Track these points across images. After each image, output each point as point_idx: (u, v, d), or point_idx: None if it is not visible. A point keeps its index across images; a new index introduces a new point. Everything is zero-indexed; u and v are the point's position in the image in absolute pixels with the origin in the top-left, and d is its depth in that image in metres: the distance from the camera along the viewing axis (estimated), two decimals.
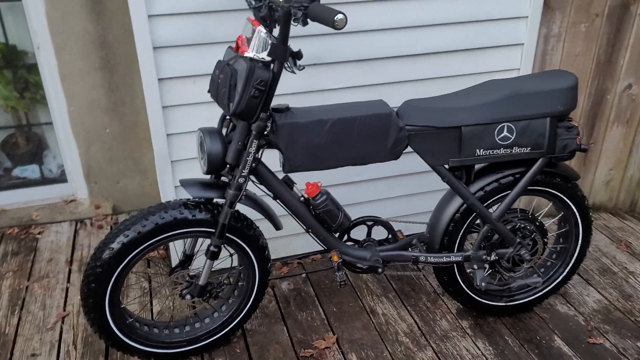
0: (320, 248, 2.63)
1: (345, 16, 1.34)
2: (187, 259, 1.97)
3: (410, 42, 2.27)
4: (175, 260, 2.36)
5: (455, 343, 2.13)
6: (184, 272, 1.91)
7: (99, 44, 2.70)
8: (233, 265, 2.06)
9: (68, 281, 2.47)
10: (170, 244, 2.37)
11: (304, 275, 2.52)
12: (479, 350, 2.10)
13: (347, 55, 2.21)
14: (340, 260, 1.94)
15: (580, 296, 2.38)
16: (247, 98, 1.61)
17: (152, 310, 2.28)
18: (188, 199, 1.84)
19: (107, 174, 3.00)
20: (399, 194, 2.59)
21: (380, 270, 2.01)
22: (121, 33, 2.70)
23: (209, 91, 1.79)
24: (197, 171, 2.26)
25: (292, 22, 1.54)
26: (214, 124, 2.19)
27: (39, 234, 2.81)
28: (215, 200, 1.87)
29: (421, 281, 2.47)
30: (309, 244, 2.61)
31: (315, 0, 1.43)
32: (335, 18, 1.33)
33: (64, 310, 2.29)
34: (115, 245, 1.72)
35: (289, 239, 2.55)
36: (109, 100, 2.83)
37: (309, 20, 1.42)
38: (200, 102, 2.14)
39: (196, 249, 1.97)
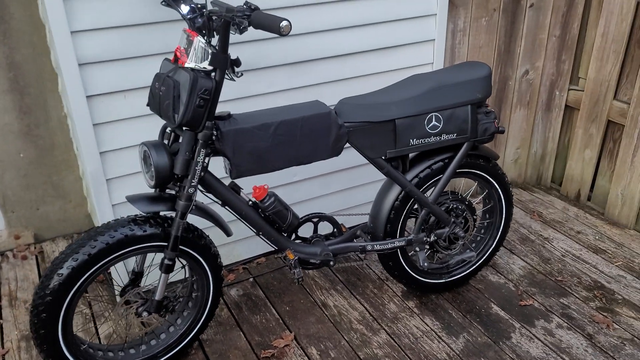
0: (264, 251, 2.69)
1: (290, 22, 1.40)
2: (137, 276, 1.94)
3: (334, 44, 2.37)
4: (120, 279, 2.29)
5: (406, 323, 2.26)
6: (137, 290, 1.87)
7: (7, 65, 2.54)
8: (185, 277, 2.05)
9: (0, 317, 2.31)
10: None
11: (251, 279, 2.54)
12: (428, 326, 2.24)
13: (277, 59, 2.27)
14: (296, 258, 2.00)
15: (507, 265, 2.61)
16: (192, 108, 1.62)
17: (98, 335, 2.20)
18: (136, 215, 1.80)
19: (24, 201, 2.83)
20: (335, 189, 2.68)
21: (332, 263, 2.09)
22: (30, 52, 2.56)
23: (147, 104, 1.78)
24: (134, 187, 2.21)
25: (230, 30, 1.58)
26: (148, 137, 2.17)
27: None
28: (161, 213, 1.85)
29: (365, 270, 2.59)
30: (252, 248, 2.64)
31: (256, 9, 1.47)
32: (280, 25, 1.39)
33: (3, 347, 2.15)
34: (65, 271, 1.66)
35: (231, 246, 2.56)
36: (21, 123, 2.67)
37: (250, 27, 1.46)
38: (133, 116, 2.10)
39: (145, 265, 1.94)
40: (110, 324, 2.26)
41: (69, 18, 1.85)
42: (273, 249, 2.69)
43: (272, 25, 1.39)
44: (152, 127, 2.15)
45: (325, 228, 2.33)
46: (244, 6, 1.47)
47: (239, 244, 2.58)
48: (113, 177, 2.16)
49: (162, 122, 2.16)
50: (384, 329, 2.23)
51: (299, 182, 2.57)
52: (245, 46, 2.19)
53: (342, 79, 2.47)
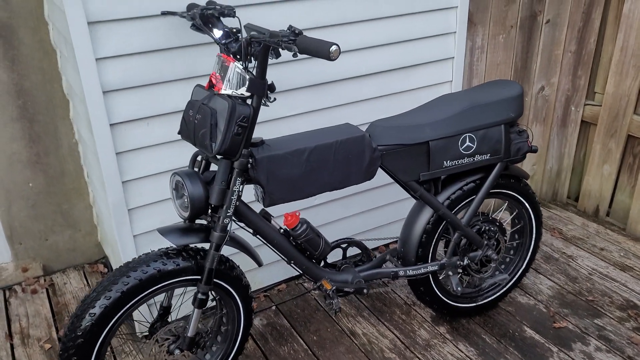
0: (285, 277, 2.60)
1: (339, 46, 1.34)
2: (165, 311, 1.85)
3: (357, 64, 2.32)
4: (145, 317, 2.19)
5: (439, 350, 2.19)
6: (169, 327, 1.78)
7: (15, 93, 2.46)
8: (212, 311, 1.96)
9: (13, 358, 2.20)
10: None
11: (274, 307, 2.45)
12: (462, 352, 2.17)
13: (299, 82, 2.21)
14: (333, 288, 1.92)
15: (535, 285, 2.55)
16: (230, 136, 1.56)
17: None
18: (167, 248, 1.72)
19: (33, 232, 2.72)
20: (355, 211, 2.62)
21: (365, 291, 2.02)
22: (39, 79, 2.48)
23: (179, 132, 1.70)
24: (155, 216, 2.13)
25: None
26: (171, 165, 2.10)
27: None
28: (191, 245, 1.77)
29: (390, 295, 2.52)
30: (273, 275, 2.56)
31: (300, 33, 1.42)
32: (330, 50, 1.33)
33: None
34: (97, 310, 1.57)
35: (253, 273, 2.48)
36: (30, 152, 2.58)
37: (297, 53, 1.41)
38: (155, 144, 2.03)
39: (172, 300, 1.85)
40: None
41: (94, 45, 1.78)
42: (293, 275, 2.63)
43: (321, 50, 1.34)
44: (174, 154, 2.08)
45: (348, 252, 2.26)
46: (288, 31, 1.42)
47: (260, 270, 2.49)
48: (135, 206, 2.07)
49: (185, 149, 2.10)
50: (418, 357, 2.16)
51: (320, 206, 2.50)
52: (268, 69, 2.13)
53: (364, 99, 2.42)
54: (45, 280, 2.70)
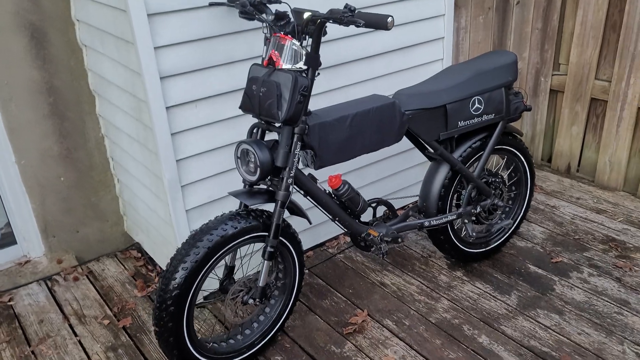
0: (311, 245, 2.86)
1: (393, 17, 1.63)
2: (230, 270, 2.08)
3: (366, 46, 2.61)
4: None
5: (460, 289, 2.51)
6: (243, 279, 2.01)
7: (46, 91, 2.61)
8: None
9: (75, 335, 2.36)
10: None
11: (306, 271, 2.71)
12: (480, 289, 2.50)
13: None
14: (381, 234, 2.20)
15: (529, 232, 2.92)
16: (294, 104, 1.81)
17: None
18: (237, 210, 1.95)
19: (65, 225, 2.86)
20: (369, 180, 2.91)
21: (400, 240, 2.31)
22: (68, 77, 2.63)
23: (240, 107, 1.94)
24: (203, 192, 2.34)
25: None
26: (216, 144, 2.31)
27: (9, 301, 2.59)
28: (250, 207, 2.01)
29: (407, 251, 2.82)
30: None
31: (355, 10, 1.69)
32: (387, 20, 1.61)
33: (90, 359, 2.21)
34: (189, 265, 1.79)
35: None
36: (61, 147, 2.73)
37: (354, 25, 1.67)
38: (202, 124, 2.24)
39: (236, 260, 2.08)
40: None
41: (153, 34, 1.98)
42: (319, 243, 2.89)
43: (380, 22, 1.62)
44: (218, 133, 2.30)
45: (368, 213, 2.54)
46: (346, 9, 1.69)
47: None
48: (186, 183, 2.28)
49: (224, 129, 2.31)
50: (444, 297, 2.47)
51: (343, 176, 2.77)
52: None
53: (373, 77, 2.71)
54: (82, 269, 2.84)
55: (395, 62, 2.77)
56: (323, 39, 2.36)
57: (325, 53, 2.49)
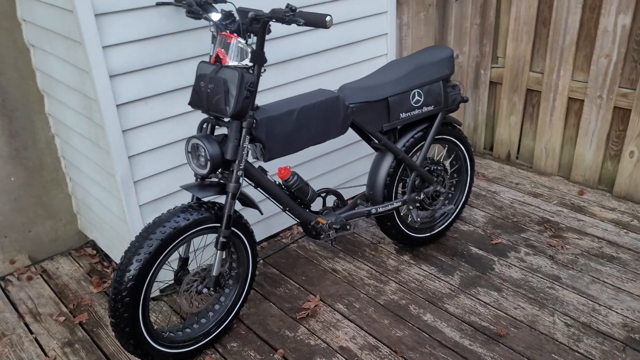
0: (265, 236, 2.95)
1: (332, 17, 1.73)
2: (184, 262, 2.15)
3: (310, 43, 2.71)
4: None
5: (407, 272, 2.66)
6: (198, 269, 2.08)
7: None
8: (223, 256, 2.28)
9: (31, 333, 2.38)
10: None
11: (260, 261, 2.80)
12: (426, 271, 2.65)
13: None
14: (329, 222, 2.31)
15: (471, 217, 3.10)
16: (242, 100, 1.90)
17: None
18: (188, 204, 2.02)
19: (16, 225, 2.85)
20: (318, 173, 3.02)
21: (348, 227, 2.43)
22: (15, 77, 2.63)
23: (189, 103, 2.01)
24: (156, 187, 2.39)
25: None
26: (168, 139, 2.37)
27: None
28: (202, 199, 2.09)
29: (357, 238, 2.95)
30: (256, 235, 2.88)
31: (296, 9, 1.79)
32: (326, 19, 1.72)
33: (47, 356, 2.23)
34: (143, 256, 1.85)
35: None
36: (10, 147, 2.72)
37: (295, 24, 1.77)
38: (153, 121, 2.29)
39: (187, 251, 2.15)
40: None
41: (101, 34, 2.03)
42: (272, 234, 2.98)
43: (319, 21, 1.72)
44: (169, 129, 2.35)
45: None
46: (287, 8, 1.78)
47: None
48: (138, 179, 2.33)
49: (175, 126, 2.38)
50: (392, 280, 2.61)
51: (293, 169, 2.87)
52: None
53: (318, 73, 2.82)
54: (36, 269, 2.84)
55: (340, 57, 2.88)
56: (270, 36, 2.47)
57: (273, 50, 2.57)
